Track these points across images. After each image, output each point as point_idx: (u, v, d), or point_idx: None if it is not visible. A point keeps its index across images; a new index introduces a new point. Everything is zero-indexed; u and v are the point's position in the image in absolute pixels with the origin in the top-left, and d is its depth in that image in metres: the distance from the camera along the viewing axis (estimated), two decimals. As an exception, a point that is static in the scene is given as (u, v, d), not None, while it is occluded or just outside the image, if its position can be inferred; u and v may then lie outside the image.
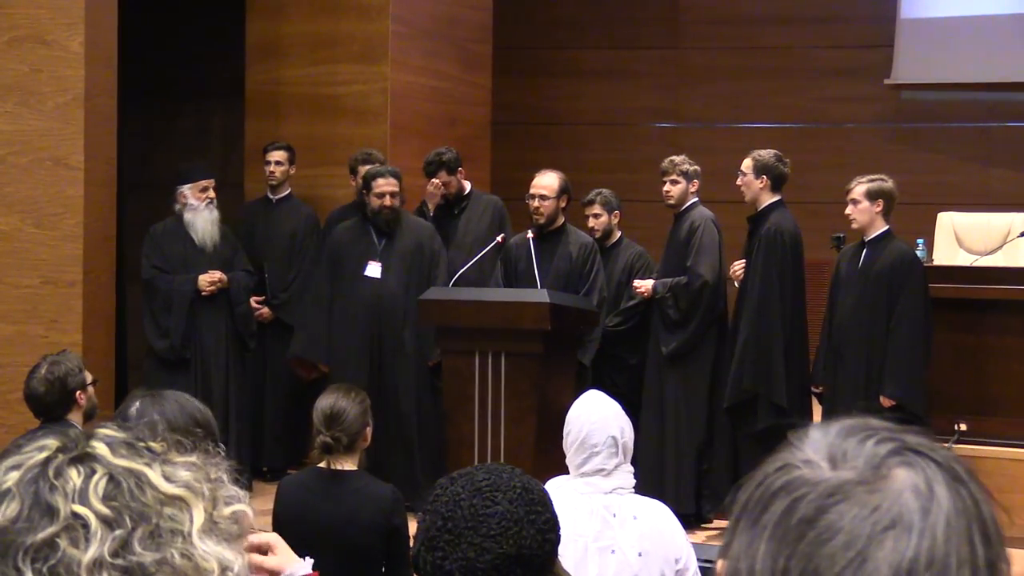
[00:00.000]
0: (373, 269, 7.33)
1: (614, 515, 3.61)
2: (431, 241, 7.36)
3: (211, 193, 7.54)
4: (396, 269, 7.23)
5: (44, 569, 1.00)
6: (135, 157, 9.54)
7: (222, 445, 2.58)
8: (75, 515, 1.02)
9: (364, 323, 7.30)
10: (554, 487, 3.68)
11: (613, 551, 3.57)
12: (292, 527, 4.25)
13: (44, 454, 1.06)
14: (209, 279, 7.48)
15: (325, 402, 4.24)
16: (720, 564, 1.04)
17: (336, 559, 4.17)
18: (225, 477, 1.13)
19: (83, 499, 1.03)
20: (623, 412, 3.77)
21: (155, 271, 7.55)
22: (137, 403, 2.68)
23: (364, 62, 8.36)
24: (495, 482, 2.34)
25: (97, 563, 1.01)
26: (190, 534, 1.05)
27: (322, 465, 4.30)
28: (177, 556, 1.03)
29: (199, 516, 1.06)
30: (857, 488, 0.97)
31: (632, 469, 3.73)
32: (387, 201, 7.25)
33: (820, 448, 1.01)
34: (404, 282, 7.23)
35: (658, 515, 3.66)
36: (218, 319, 7.57)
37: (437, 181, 7.58)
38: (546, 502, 2.38)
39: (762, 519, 0.99)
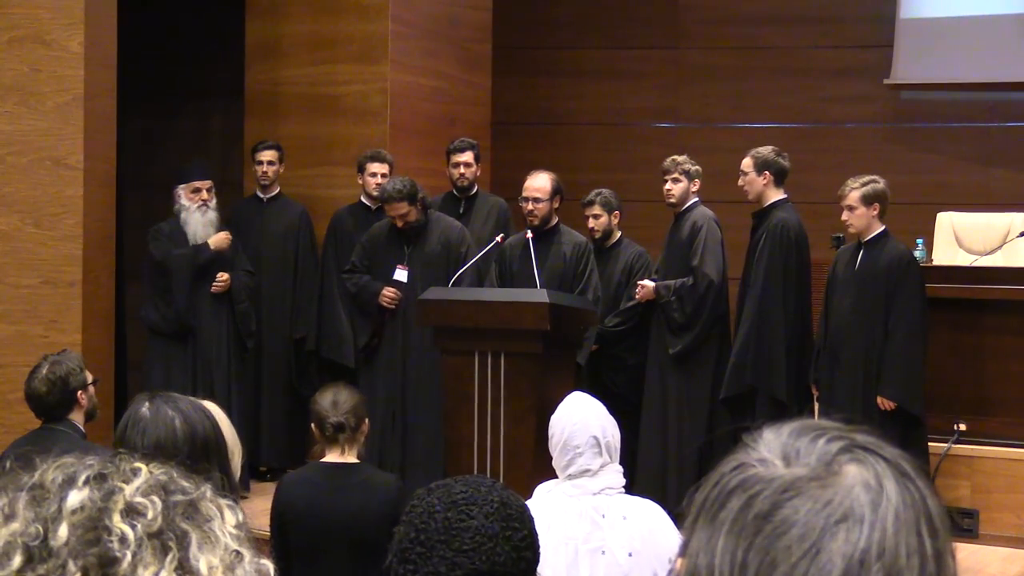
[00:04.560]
0: (400, 274, 7.35)
1: (603, 516, 3.60)
2: (459, 243, 7.33)
3: (204, 195, 7.50)
4: (422, 274, 7.23)
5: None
6: (135, 157, 9.53)
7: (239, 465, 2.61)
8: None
9: (391, 327, 7.34)
10: (543, 491, 3.68)
11: (603, 552, 3.56)
12: (300, 524, 4.26)
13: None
14: (225, 237, 7.50)
15: (325, 395, 4.41)
16: (679, 563, 1.08)
17: (348, 552, 4.19)
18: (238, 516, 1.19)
19: None
20: (606, 412, 3.75)
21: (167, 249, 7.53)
22: (145, 405, 2.67)
23: (364, 62, 8.35)
24: (472, 495, 2.26)
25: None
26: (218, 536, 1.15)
27: (327, 459, 4.33)
28: (204, 533, 1.13)
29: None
30: (810, 484, 1.02)
31: (621, 469, 3.72)
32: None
33: (774, 447, 1.06)
34: (430, 286, 7.21)
35: (649, 514, 3.65)
36: (219, 319, 7.56)
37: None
38: (525, 519, 2.29)
39: (720, 515, 1.03)
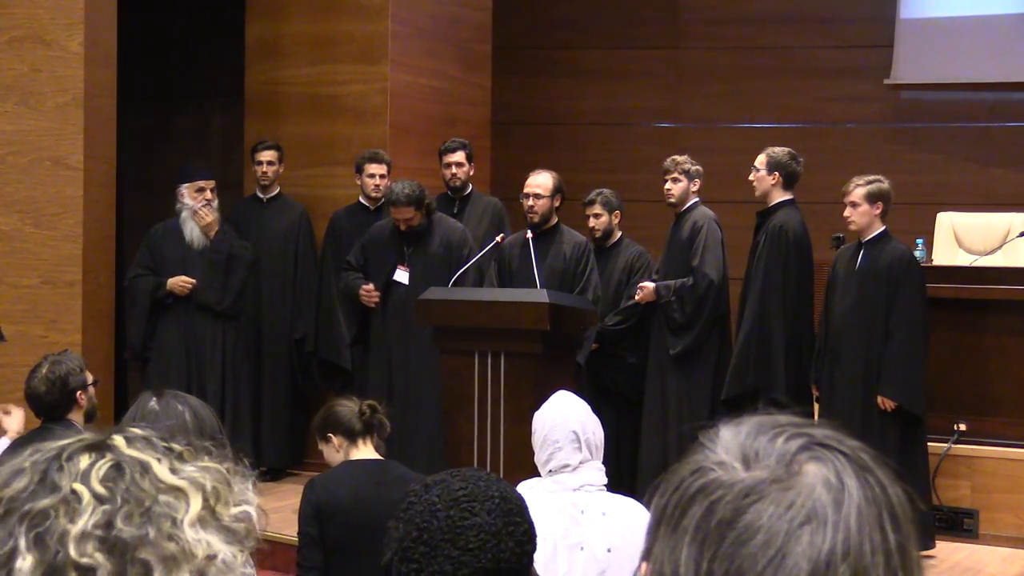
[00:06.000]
0: (401, 275, 7.34)
1: (582, 512, 3.61)
2: (461, 245, 7.32)
3: (208, 195, 7.51)
4: (423, 275, 7.22)
5: (34, 534, 1.08)
6: (135, 157, 9.54)
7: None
8: (73, 491, 1.10)
9: (391, 328, 7.34)
10: (525, 488, 3.69)
11: (582, 548, 3.57)
12: (343, 519, 4.27)
13: (65, 442, 1.15)
14: (182, 281, 7.45)
15: (340, 400, 4.49)
16: (643, 568, 1.06)
17: None
18: (244, 484, 1.19)
19: (84, 479, 1.11)
20: (589, 411, 3.78)
21: (139, 272, 7.54)
22: (153, 400, 2.67)
23: (364, 62, 8.35)
24: (472, 492, 2.24)
25: (84, 534, 1.08)
26: (181, 521, 1.11)
27: (355, 457, 4.36)
28: (162, 537, 1.09)
29: (195, 506, 1.12)
30: (771, 487, 1.01)
31: (603, 467, 3.73)
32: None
33: (732, 448, 1.06)
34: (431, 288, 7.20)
35: (628, 511, 3.65)
36: (215, 319, 7.55)
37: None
38: (523, 511, 2.29)
39: (682, 523, 1.02)
